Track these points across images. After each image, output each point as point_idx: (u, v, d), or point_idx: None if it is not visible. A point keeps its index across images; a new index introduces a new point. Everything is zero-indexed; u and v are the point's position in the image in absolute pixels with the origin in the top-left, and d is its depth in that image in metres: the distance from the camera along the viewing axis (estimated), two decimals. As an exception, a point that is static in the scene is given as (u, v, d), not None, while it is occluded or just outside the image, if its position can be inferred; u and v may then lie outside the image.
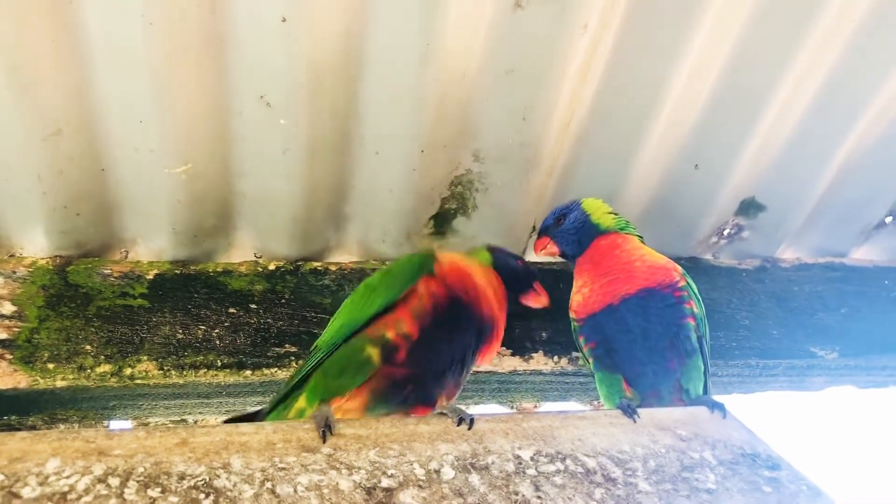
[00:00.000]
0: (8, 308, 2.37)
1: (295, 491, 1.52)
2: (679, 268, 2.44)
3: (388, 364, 1.97)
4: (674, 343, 2.31)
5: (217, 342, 2.47)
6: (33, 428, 2.41)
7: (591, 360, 2.47)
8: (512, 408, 2.99)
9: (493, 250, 2.45)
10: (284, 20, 2.12)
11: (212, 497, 1.47)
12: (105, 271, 2.56)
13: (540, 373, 2.72)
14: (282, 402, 2.06)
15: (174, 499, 1.45)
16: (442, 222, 2.82)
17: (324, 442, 1.71)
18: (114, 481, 1.48)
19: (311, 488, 1.54)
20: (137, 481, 1.49)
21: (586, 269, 2.51)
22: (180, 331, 2.47)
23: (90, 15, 2.05)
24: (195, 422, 2.68)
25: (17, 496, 1.39)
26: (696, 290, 2.42)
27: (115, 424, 2.57)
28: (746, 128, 2.73)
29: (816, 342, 2.98)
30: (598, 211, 2.59)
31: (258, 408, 2.16)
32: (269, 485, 1.53)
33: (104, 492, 1.44)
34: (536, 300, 2.44)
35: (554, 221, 2.64)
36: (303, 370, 2.05)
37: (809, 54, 2.54)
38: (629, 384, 2.35)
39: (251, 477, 1.54)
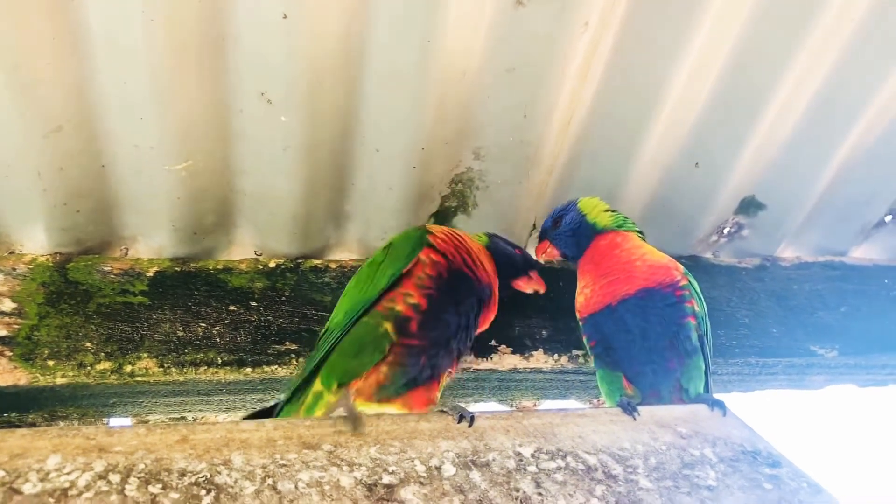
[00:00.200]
0: (8, 305, 2.37)
1: (296, 487, 1.52)
2: (680, 266, 2.44)
3: (402, 336, 2.02)
4: (674, 343, 2.31)
5: (217, 339, 2.47)
6: (33, 425, 2.41)
7: (592, 358, 2.48)
8: (512, 406, 2.99)
9: (491, 236, 2.52)
10: (285, 17, 2.12)
11: (213, 493, 1.47)
12: (105, 268, 2.56)
13: (540, 371, 2.72)
14: (297, 391, 2.07)
15: (175, 495, 1.45)
16: (442, 220, 2.82)
17: (362, 433, 1.74)
18: (115, 478, 1.48)
19: (312, 485, 1.54)
20: (138, 478, 1.49)
21: (588, 270, 2.52)
22: (180, 328, 2.47)
23: (90, 12, 2.05)
24: (195, 419, 2.68)
25: (18, 492, 1.39)
26: (697, 289, 2.42)
27: (114, 422, 2.57)
28: (747, 126, 2.73)
29: (816, 341, 2.98)
30: (594, 210, 2.59)
31: (271, 403, 2.18)
32: (270, 481, 1.53)
33: (105, 488, 1.45)
34: (528, 284, 2.46)
35: (552, 224, 2.65)
36: (316, 356, 2.07)
37: (809, 53, 2.55)
38: (630, 382, 2.35)
39: (252, 473, 1.55)
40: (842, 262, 3.34)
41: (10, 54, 2.06)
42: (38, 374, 2.27)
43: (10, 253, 2.52)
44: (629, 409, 2.05)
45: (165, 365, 2.38)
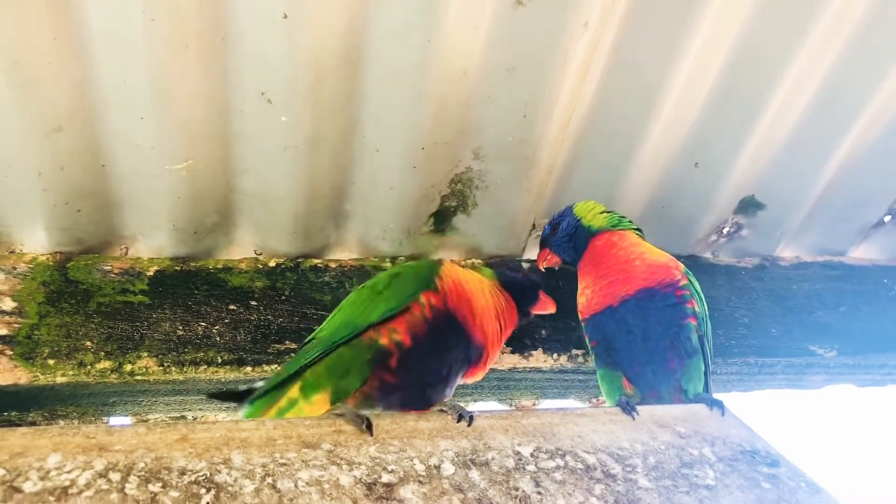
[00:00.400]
0: (8, 304, 2.37)
1: (296, 486, 1.52)
2: (681, 265, 2.44)
3: (381, 370, 1.97)
4: (674, 343, 2.31)
5: (217, 339, 2.47)
6: (33, 424, 2.41)
7: (593, 357, 2.49)
8: (511, 405, 3.00)
9: (494, 269, 2.44)
10: (286, 17, 2.12)
11: (213, 492, 1.48)
12: (105, 268, 2.57)
13: (539, 370, 2.72)
14: (273, 390, 2.03)
15: (175, 493, 1.46)
16: (442, 220, 2.82)
17: (371, 435, 1.74)
18: (115, 476, 1.48)
19: (311, 483, 1.54)
20: (138, 476, 1.49)
21: (587, 272, 2.52)
22: (180, 327, 2.48)
23: (91, 11, 2.05)
24: (195, 418, 2.68)
25: (18, 490, 1.40)
26: (698, 289, 2.42)
27: (114, 420, 2.57)
28: (746, 126, 2.73)
29: (815, 341, 2.98)
30: (589, 213, 2.60)
31: (243, 387, 2.13)
32: (269, 480, 1.53)
33: (105, 486, 1.45)
34: (545, 307, 2.45)
35: (550, 231, 2.67)
36: (298, 362, 2.03)
37: (809, 54, 2.55)
38: (630, 382, 2.35)
39: (252, 472, 1.55)
40: (841, 262, 3.34)
41: (11, 54, 2.06)
42: (38, 373, 2.27)
43: (11, 252, 2.53)
44: (628, 408, 2.05)
45: (165, 364, 2.38)
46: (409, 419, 1.87)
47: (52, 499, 1.39)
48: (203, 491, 1.47)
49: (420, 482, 1.60)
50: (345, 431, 1.75)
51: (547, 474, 1.70)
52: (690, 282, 2.41)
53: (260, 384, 2.06)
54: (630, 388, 2.35)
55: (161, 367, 2.37)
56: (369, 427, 1.75)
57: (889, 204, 3.23)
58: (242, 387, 2.10)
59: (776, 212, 3.08)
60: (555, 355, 2.73)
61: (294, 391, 2.00)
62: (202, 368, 2.40)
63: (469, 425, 1.87)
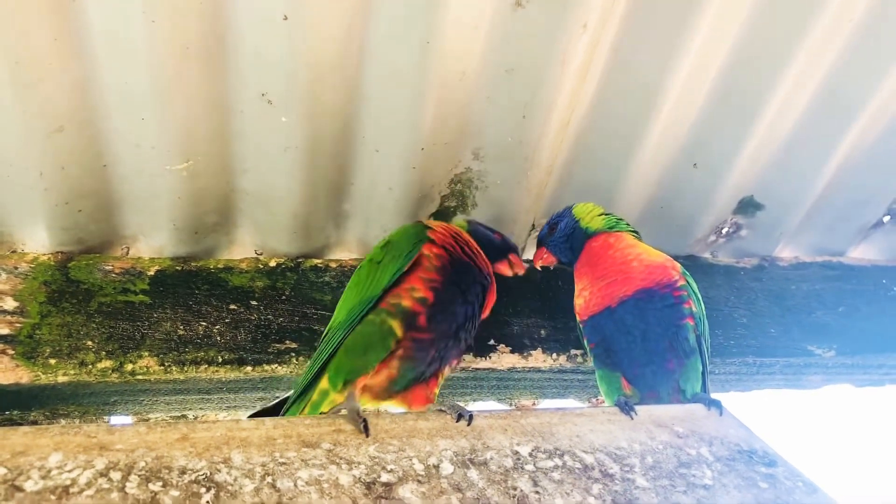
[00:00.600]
0: (10, 304, 2.38)
1: (295, 485, 1.53)
2: (678, 265, 2.45)
3: (411, 331, 2.03)
4: (672, 344, 2.32)
5: (218, 338, 2.48)
6: (35, 423, 2.42)
7: (592, 358, 2.49)
8: (510, 405, 3.00)
9: (470, 221, 2.57)
10: (286, 18, 2.13)
11: (213, 491, 1.49)
12: (106, 267, 2.57)
13: (538, 370, 2.73)
14: (304, 390, 2.07)
15: (175, 493, 1.47)
16: (442, 220, 2.82)
17: (367, 436, 1.75)
18: (115, 475, 1.49)
19: (311, 483, 1.55)
20: (139, 475, 1.50)
21: (584, 273, 2.53)
22: (181, 327, 2.48)
23: (92, 12, 2.06)
24: (195, 418, 2.69)
25: (19, 489, 1.41)
26: (695, 289, 2.43)
27: (115, 420, 2.58)
28: (745, 127, 2.74)
29: (814, 341, 2.99)
30: (587, 215, 2.61)
31: (275, 401, 2.18)
32: (269, 479, 1.54)
33: (106, 485, 1.46)
34: (508, 268, 2.50)
35: (548, 231, 2.68)
36: (321, 356, 2.07)
37: (808, 54, 2.55)
38: (629, 382, 2.36)
39: (252, 471, 1.56)
40: (840, 263, 3.35)
41: (12, 55, 2.07)
42: (39, 373, 2.28)
43: (13, 252, 2.54)
44: (626, 408, 2.06)
45: (166, 363, 2.39)
46: (408, 418, 1.89)
47: (53, 498, 1.40)
48: (203, 490, 1.48)
49: (419, 481, 1.61)
50: (344, 431, 1.76)
51: (545, 474, 1.71)
52: (688, 282, 2.41)
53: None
54: (629, 388, 2.35)
55: (162, 367, 2.38)
56: (366, 428, 1.77)
57: (888, 204, 3.23)
58: (272, 401, 2.16)
59: (775, 212, 3.08)
60: (554, 355, 2.73)
61: (324, 383, 2.03)
62: (203, 368, 2.41)
63: (468, 425, 1.88)
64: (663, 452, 1.87)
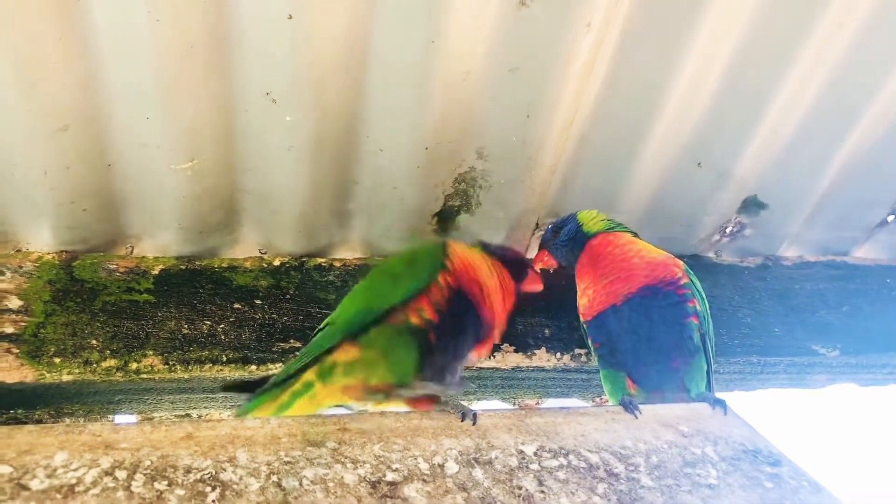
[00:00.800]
0: (15, 303, 2.39)
1: (300, 484, 1.53)
2: (680, 263, 2.45)
3: (425, 346, 2.03)
4: (677, 343, 2.32)
5: (222, 337, 2.49)
6: (39, 421, 2.43)
7: (596, 358, 2.49)
8: (514, 404, 3.00)
9: (484, 246, 2.46)
10: (291, 17, 2.13)
11: (218, 490, 1.49)
12: (111, 266, 2.58)
13: (542, 369, 2.73)
14: (289, 379, 2.05)
15: (181, 492, 1.47)
16: (445, 219, 2.83)
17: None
18: (121, 474, 1.49)
19: (316, 482, 1.55)
20: (144, 474, 1.50)
21: (586, 273, 2.53)
22: (185, 326, 2.49)
23: (97, 11, 2.06)
24: (200, 416, 2.70)
25: (25, 488, 1.41)
26: (699, 287, 2.43)
27: (120, 419, 2.58)
28: (749, 126, 2.74)
29: (818, 340, 2.98)
30: (590, 220, 2.62)
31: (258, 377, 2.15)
32: (274, 478, 1.54)
33: (111, 484, 1.46)
34: (535, 285, 2.47)
35: (551, 234, 2.68)
36: (315, 349, 2.06)
37: (812, 53, 2.55)
38: (633, 381, 2.36)
39: (257, 470, 1.56)
40: (844, 262, 3.34)
41: (17, 53, 2.07)
42: (44, 371, 2.28)
43: (17, 251, 2.54)
44: (631, 407, 2.06)
45: (171, 362, 2.39)
46: (413, 417, 1.88)
47: (59, 496, 1.40)
48: (209, 489, 1.48)
49: (424, 481, 1.61)
50: (349, 430, 1.76)
51: (550, 473, 1.71)
52: (691, 280, 2.41)
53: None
54: (633, 387, 2.35)
55: (166, 366, 2.38)
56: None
57: (892, 203, 3.22)
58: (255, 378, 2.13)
59: (779, 211, 3.08)
60: (558, 354, 2.73)
61: (310, 374, 2.03)
62: (207, 367, 2.42)
63: (473, 424, 1.88)
64: (668, 452, 1.87)
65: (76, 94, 2.22)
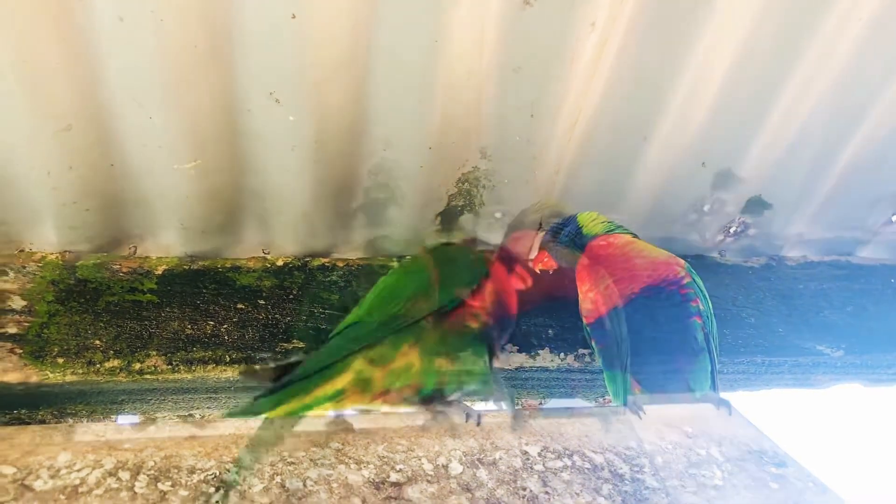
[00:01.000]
0: (18, 303, 2.39)
1: (304, 485, 1.53)
2: (682, 262, 2.44)
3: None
4: (681, 343, 2.31)
5: (225, 337, 2.48)
6: (43, 422, 2.42)
7: (599, 359, 2.49)
8: (518, 404, 3.00)
9: (472, 242, 2.57)
10: (294, 17, 2.12)
11: (222, 491, 1.48)
12: (114, 267, 2.58)
13: (546, 370, 2.72)
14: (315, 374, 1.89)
15: (184, 492, 1.47)
16: (449, 219, 2.82)
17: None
18: (124, 475, 1.49)
19: (320, 482, 1.55)
20: (148, 475, 1.50)
21: (587, 274, 2.52)
22: (189, 326, 2.48)
23: (100, 11, 2.05)
24: (203, 417, 2.69)
25: (29, 489, 1.41)
26: (701, 286, 2.42)
27: (123, 419, 2.58)
28: (754, 125, 2.73)
29: (822, 340, 2.98)
30: (590, 223, 2.61)
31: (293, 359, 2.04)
32: (278, 479, 1.54)
33: (115, 485, 1.46)
34: (522, 282, 2.47)
35: (552, 236, 2.67)
36: (344, 347, 1.90)
37: (816, 53, 2.54)
38: (637, 382, 2.35)
39: (261, 471, 1.56)
40: (848, 262, 3.33)
41: (20, 53, 2.07)
42: (47, 372, 2.28)
43: (20, 251, 2.54)
44: (635, 407, 2.05)
45: (174, 363, 2.39)
46: (417, 418, 1.88)
47: (63, 497, 1.40)
48: (212, 489, 1.48)
49: (428, 481, 1.61)
50: (353, 430, 1.76)
51: (555, 474, 1.70)
52: (694, 279, 2.41)
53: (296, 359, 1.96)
54: (638, 388, 2.34)
55: (169, 366, 2.38)
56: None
57: (897, 203, 3.22)
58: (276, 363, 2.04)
59: (783, 211, 3.07)
60: (561, 355, 2.73)
61: (343, 379, 1.85)
62: (210, 367, 2.41)
63: (477, 425, 1.87)
64: (673, 452, 1.87)
65: (79, 93, 2.22)
